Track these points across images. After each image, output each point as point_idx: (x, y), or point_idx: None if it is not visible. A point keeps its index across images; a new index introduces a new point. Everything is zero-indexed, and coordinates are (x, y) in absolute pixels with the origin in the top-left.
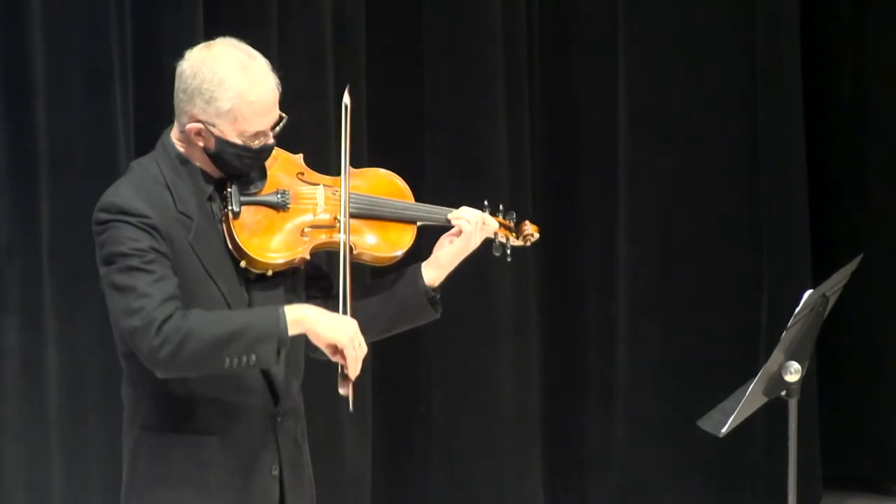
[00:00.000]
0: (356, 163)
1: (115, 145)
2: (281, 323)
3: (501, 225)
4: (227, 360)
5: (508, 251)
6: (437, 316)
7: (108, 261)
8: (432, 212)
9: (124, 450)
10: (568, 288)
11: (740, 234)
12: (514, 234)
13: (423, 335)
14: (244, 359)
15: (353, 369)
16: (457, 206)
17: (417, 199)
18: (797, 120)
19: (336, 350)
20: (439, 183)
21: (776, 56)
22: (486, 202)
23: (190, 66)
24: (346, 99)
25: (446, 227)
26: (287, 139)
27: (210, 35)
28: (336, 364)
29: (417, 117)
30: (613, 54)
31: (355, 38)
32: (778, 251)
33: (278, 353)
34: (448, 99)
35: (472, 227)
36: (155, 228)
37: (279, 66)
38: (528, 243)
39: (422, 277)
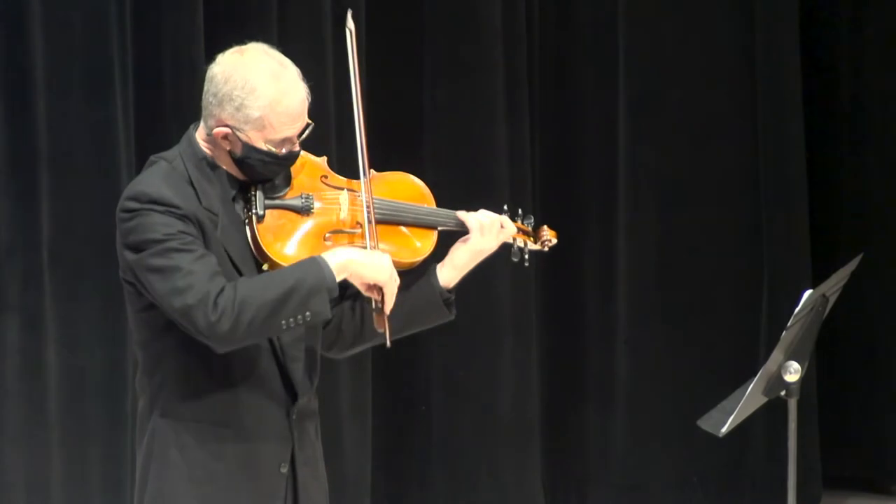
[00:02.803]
0: (356, 165)
1: (116, 146)
2: (327, 273)
3: (519, 230)
4: (284, 322)
5: (526, 256)
6: (452, 317)
7: (140, 247)
8: (451, 217)
9: (139, 439)
10: (568, 288)
11: (740, 234)
12: (531, 239)
13: (423, 335)
14: (299, 317)
15: (390, 304)
16: (458, 207)
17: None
18: (797, 120)
19: (371, 287)
20: (440, 183)
21: (776, 56)
22: (505, 206)
23: (222, 70)
24: (350, 24)
25: (463, 231)
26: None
27: (210, 36)
28: (370, 301)
29: (417, 118)
30: (613, 54)
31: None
32: (778, 251)
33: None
34: (448, 99)
35: (483, 227)
36: (186, 217)
37: None
38: (547, 248)
39: (437, 278)
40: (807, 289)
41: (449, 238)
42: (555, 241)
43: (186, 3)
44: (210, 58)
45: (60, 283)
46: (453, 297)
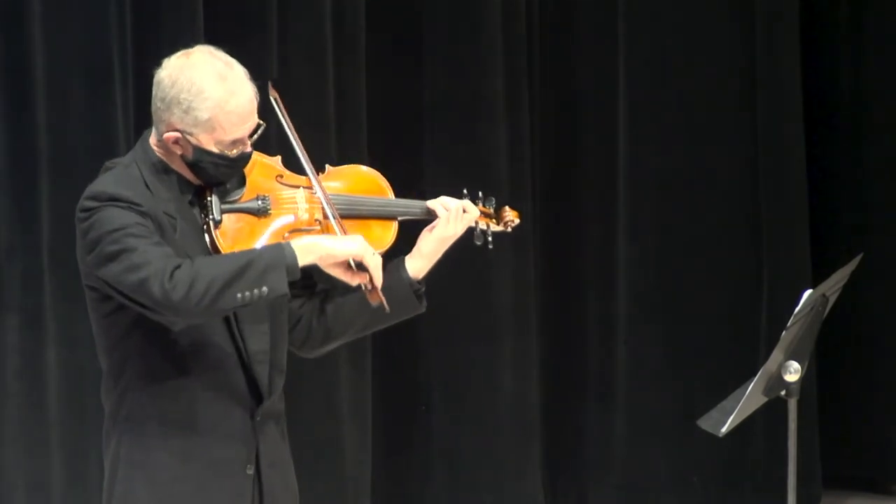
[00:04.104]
0: (355, 162)
1: (115, 145)
2: (287, 252)
3: (482, 212)
4: (240, 295)
5: (490, 238)
6: (423, 310)
7: (97, 241)
8: (411, 206)
9: (105, 445)
10: (568, 288)
11: (740, 234)
12: (494, 221)
13: (423, 335)
14: (255, 291)
15: (379, 276)
16: None
17: (418, 197)
18: (797, 120)
19: (350, 267)
20: (439, 183)
21: (776, 56)
22: (465, 190)
23: (168, 74)
24: (273, 93)
25: (427, 219)
26: (287, 140)
27: (210, 35)
28: (360, 286)
29: (417, 117)
30: (613, 54)
31: (355, 37)
32: (778, 251)
33: (289, 282)
34: (448, 99)
35: (449, 214)
36: (146, 214)
37: (279, 67)
38: (509, 229)
39: (405, 270)
40: (807, 289)
41: (413, 229)
42: (517, 221)
43: (186, 3)
44: None
45: (60, 283)
46: (423, 289)
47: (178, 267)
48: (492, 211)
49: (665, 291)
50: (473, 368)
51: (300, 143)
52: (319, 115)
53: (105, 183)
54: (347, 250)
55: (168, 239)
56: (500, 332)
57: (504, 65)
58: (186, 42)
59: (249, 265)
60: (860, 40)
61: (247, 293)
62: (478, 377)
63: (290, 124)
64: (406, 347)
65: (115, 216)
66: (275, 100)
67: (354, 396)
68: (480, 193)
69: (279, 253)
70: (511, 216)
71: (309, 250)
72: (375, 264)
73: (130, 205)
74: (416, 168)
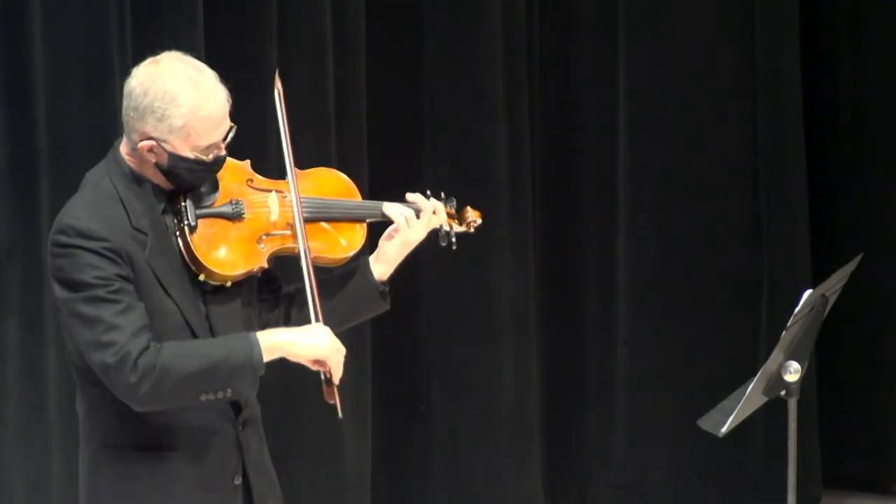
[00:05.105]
0: (355, 162)
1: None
2: (255, 354)
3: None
4: (203, 397)
5: (453, 239)
6: (388, 307)
7: (71, 287)
8: (378, 208)
9: (81, 466)
10: (568, 288)
11: (740, 234)
12: (457, 221)
13: (423, 335)
14: (220, 394)
15: (338, 375)
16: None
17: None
18: (797, 120)
19: (317, 361)
20: (439, 183)
21: (776, 56)
22: (427, 191)
23: (139, 83)
24: (278, 84)
25: (392, 221)
26: (277, 136)
27: (210, 35)
28: (317, 373)
29: (417, 117)
30: (613, 54)
31: (355, 38)
32: (778, 251)
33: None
34: (448, 99)
35: (411, 219)
36: (116, 252)
37: (279, 68)
38: (472, 229)
39: (371, 273)
40: (807, 289)
41: (379, 226)
42: (479, 220)
43: (186, 3)
44: (209, 59)
45: None
46: (388, 289)
47: (142, 353)
48: (454, 211)
49: (665, 291)
50: (473, 368)
51: (290, 143)
52: (319, 115)
53: (75, 212)
54: (313, 353)
55: (137, 269)
56: (500, 332)
57: (504, 65)
58: (186, 42)
59: (217, 367)
60: (860, 40)
61: (210, 395)
62: (478, 377)
63: (286, 120)
64: (406, 347)
65: (87, 264)
66: (278, 92)
67: (354, 396)
68: (442, 194)
69: (247, 353)
70: (473, 216)
71: (276, 349)
72: (336, 363)
73: (100, 243)
74: (416, 168)
